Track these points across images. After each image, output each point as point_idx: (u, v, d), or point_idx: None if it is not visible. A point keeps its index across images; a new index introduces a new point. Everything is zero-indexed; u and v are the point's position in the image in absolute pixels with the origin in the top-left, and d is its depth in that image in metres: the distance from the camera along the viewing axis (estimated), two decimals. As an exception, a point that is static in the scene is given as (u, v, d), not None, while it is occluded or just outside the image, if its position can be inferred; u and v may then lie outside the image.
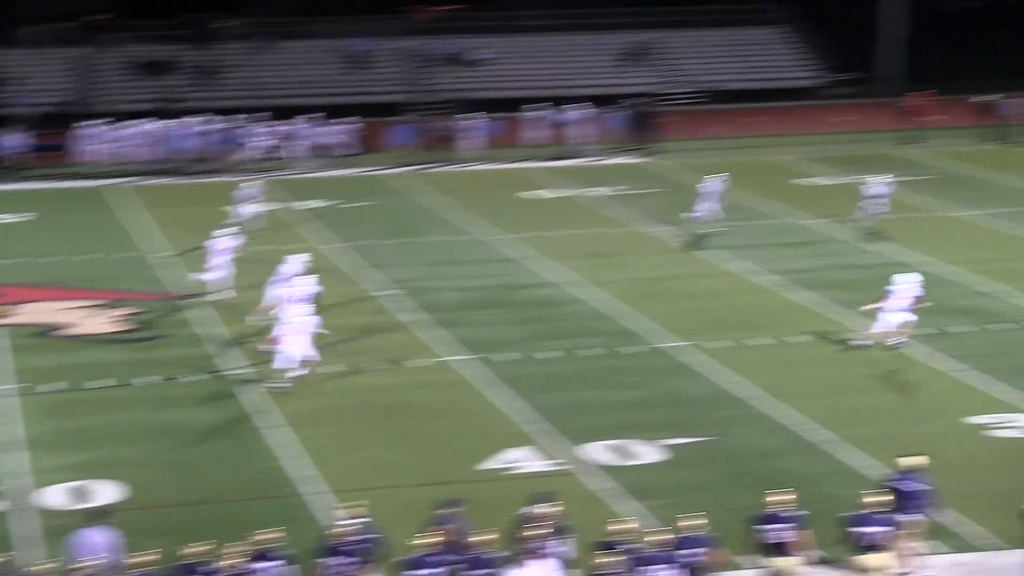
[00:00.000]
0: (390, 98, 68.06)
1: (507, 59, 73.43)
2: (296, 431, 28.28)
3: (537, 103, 60.41)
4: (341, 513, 21.32)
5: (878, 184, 42.93)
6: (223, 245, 37.11)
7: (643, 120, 59.59)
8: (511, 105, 62.68)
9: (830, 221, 45.20)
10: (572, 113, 58.71)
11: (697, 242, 42.05)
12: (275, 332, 30.99)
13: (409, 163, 56.33)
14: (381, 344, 33.50)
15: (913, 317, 32.20)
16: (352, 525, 20.53)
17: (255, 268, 36.91)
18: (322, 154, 56.22)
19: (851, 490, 23.73)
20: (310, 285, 33.12)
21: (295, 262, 34.70)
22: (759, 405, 29.45)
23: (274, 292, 33.57)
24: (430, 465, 26.58)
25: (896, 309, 32.06)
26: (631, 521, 21.39)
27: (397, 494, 25.06)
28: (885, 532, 20.65)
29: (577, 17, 76.52)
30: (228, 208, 44.29)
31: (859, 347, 32.39)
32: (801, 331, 34.14)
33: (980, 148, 57.73)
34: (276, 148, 56.18)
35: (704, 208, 42.48)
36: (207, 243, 37.28)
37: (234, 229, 38.92)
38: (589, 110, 58.89)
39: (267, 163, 55.27)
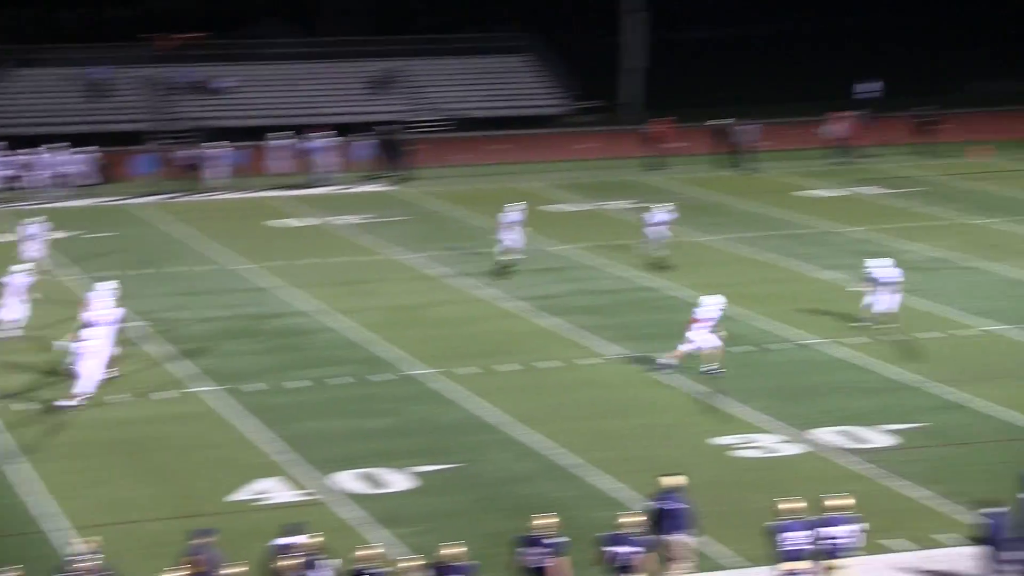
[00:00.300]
0: (133, 127, 67.03)
1: (251, 87, 72.87)
2: (38, 467, 27.55)
3: (282, 131, 60.00)
4: (76, 548, 20.74)
5: (660, 212, 43.29)
6: (18, 282, 36.34)
7: (390, 148, 59.58)
8: (256, 133, 62.20)
9: (576, 247, 45.68)
10: (318, 141, 58.43)
11: (503, 271, 42.07)
12: (78, 358, 30.99)
13: (153, 192, 55.45)
14: (126, 376, 32.83)
15: (719, 341, 32.64)
16: (86, 560, 19.97)
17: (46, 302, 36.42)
18: (63, 184, 55.02)
19: (601, 513, 23.92)
20: (110, 311, 32.61)
21: (104, 289, 34.07)
22: (509, 431, 29.56)
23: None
24: (178, 498, 26.09)
25: (704, 331, 32.48)
26: (377, 547, 21.19)
27: (144, 528, 24.54)
28: (637, 552, 20.82)
29: (322, 45, 76.36)
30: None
31: (664, 366, 32.67)
32: (549, 356, 34.38)
33: (717, 174, 58.94)
34: (16, 178, 54.84)
35: (508, 238, 42.49)
36: (4, 280, 36.51)
37: (27, 266, 38.09)
38: (334, 138, 58.68)
39: (6, 193, 53.91)
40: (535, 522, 20.95)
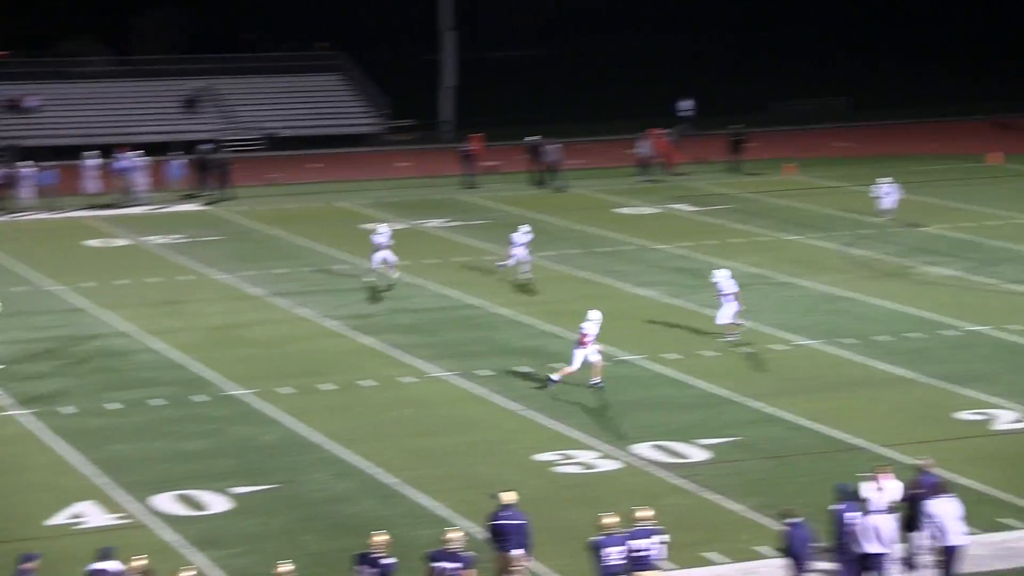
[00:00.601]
0: (-61, 146, 65.60)
1: (61, 106, 71.75)
2: None
3: (94, 150, 59.13)
4: None
5: (522, 233, 43.09)
6: None
7: (204, 167, 59.02)
8: (68, 153, 61.23)
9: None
10: (130, 161, 57.66)
11: (385, 286, 41.90)
12: None
13: (-38, 212, 54.33)
14: (-63, 400, 32.15)
15: (598, 356, 32.81)
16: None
17: None
18: None
19: (424, 531, 23.96)
20: None
21: None
22: (329, 450, 29.45)
23: None
24: (-6, 523, 25.60)
25: (593, 346, 32.61)
26: (190, 570, 20.95)
27: (-42, 555, 24.01)
28: (461, 568, 20.87)
29: (135, 64, 75.45)
30: None
31: (555, 383, 32.75)
32: (369, 375, 34.31)
33: (531, 192, 59.27)
34: None
35: (379, 257, 42.13)
36: None
37: None
38: (144, 158, 57.92)
39: None
40: (374, 539, 20.84)
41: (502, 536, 21.94)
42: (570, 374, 32.82)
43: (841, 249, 47.39)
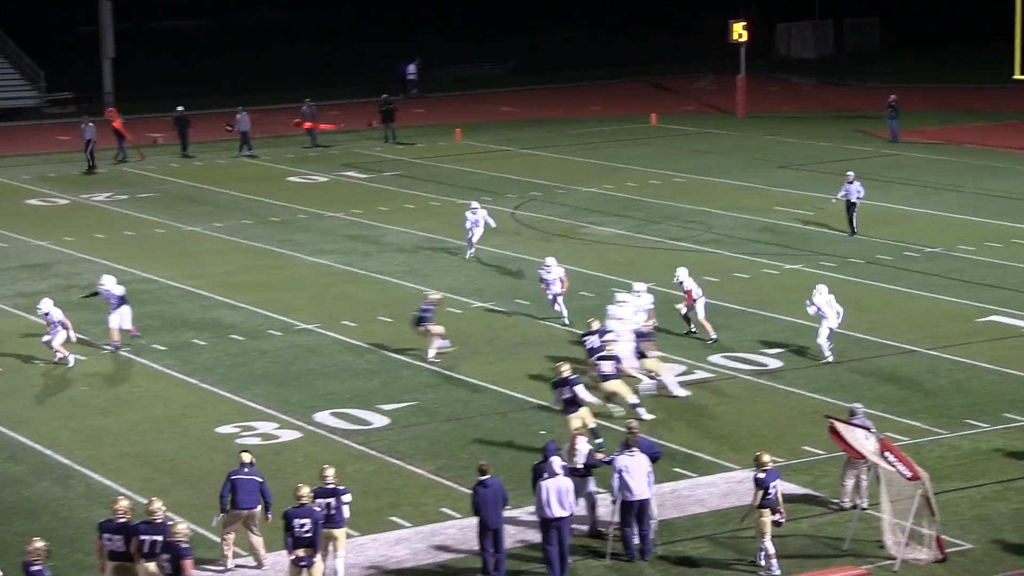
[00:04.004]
0: None
1: None
2: None
3: None
4: None
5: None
6: None
7: None
8: None
9: (58, 242, 44.46)
10: None
11: None
12: None
13: None
14: None
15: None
16: None
17: None
18: None
19: (104, 510, 23.35)
20: None
21: None
22: None
23: None
24: None
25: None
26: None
27: None
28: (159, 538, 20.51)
29: None
30: None
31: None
32: (36, 356, 33.25)
33: (197, 163, 58.41)
34: None
35: None
36: None
37: None
38: None
39: None
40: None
41: (235, 492, 22.22)
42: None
43: (511, 211, 47.91)
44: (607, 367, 28.71)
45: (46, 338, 32.62)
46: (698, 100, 73.85)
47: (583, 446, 23.39)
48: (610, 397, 28.91)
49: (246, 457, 22.68)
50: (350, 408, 29.63)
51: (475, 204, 42.11)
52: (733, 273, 39.29)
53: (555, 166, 56.32)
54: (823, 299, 31.97)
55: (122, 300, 33.67)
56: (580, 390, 26.83)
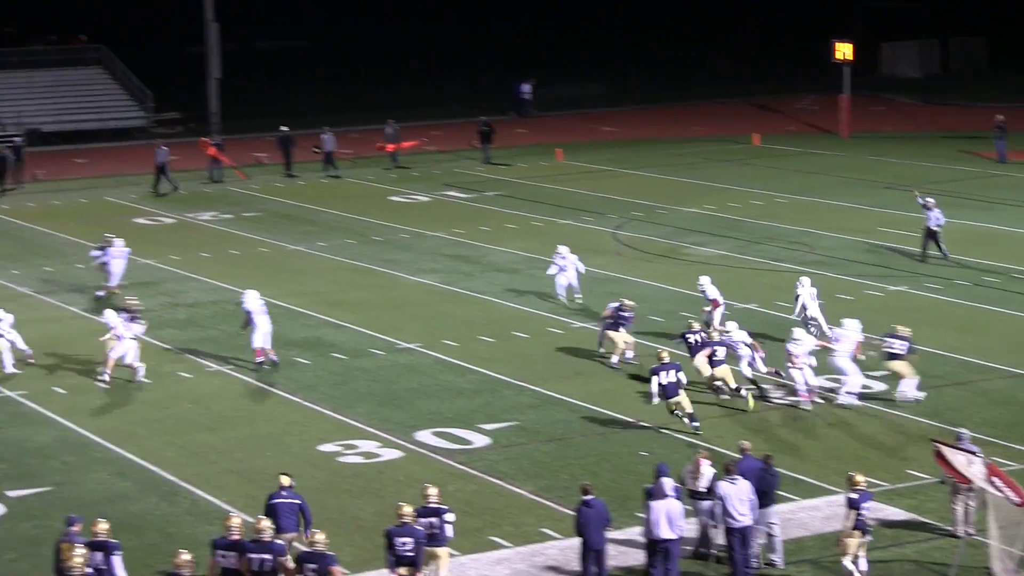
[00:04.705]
0: None
1: None
2: None
3: None
4: None
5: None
6: None
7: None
8: None
9: (165, 260, 44.94)
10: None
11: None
12: None
13: None
14: None
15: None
16: None
17: None
18: None
19: (209, 526, 23.57)
20: None
21: None
22: (106, 449, 28.82)
23: None
24: None
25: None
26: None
27: None
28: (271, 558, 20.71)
29: None
30: None
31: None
32: (144, 372, 33.60)
33: (300, 182, 58.82)
34: None
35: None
36: None
37: None
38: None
39: None
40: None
41: (276, 516, 22.12)
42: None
43: (612, 231, 47.85)
44: (720, 353, 30.47)
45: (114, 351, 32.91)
46: (801, 120, 73.43)
47: (707, 469, 23.30)
48: (714, 379, 30.49)
49: (285, 480, 22.64)
50: (451, 427, 29.70)
51: (562, 249, 39.32)
52: (836, 295, 39.00)
53: (656, 186, 56.21)
54: (806, 292, 33.83)
55: (255, 317, 33.94)
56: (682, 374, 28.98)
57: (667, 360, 29.06)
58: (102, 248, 40.81)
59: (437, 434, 29.31)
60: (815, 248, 44.91)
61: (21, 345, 34.02)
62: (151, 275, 43.34)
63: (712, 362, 30.55)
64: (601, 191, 55.24)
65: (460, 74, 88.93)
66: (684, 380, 29.10)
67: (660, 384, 28.79)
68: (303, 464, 27.78)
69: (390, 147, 61.62)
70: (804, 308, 34.10)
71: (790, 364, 30.31)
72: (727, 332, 31.23)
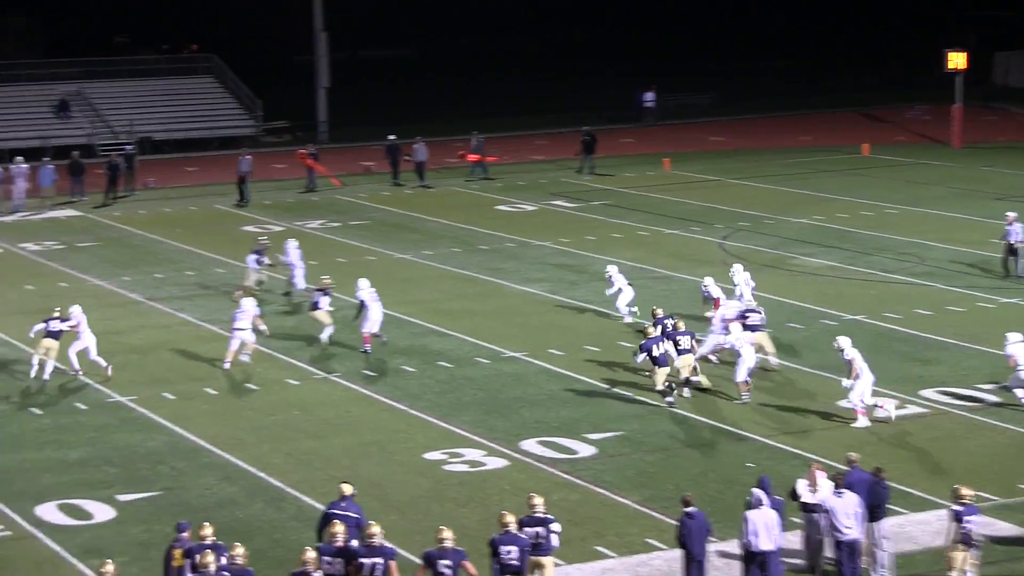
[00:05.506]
0: None
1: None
2: None
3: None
4: None
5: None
6: None
7: (78, 172, 58.28)
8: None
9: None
10: (16, 168, 56.67)
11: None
12: None
13: None
14: None
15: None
16: None
17: None
18: None
19: (314, 532, 23.72)
20: None
21: None
22: (214, 455, 29.13)
23: None
24: None
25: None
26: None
27: None
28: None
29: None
30: None
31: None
32: (251, 379, 33.96)
33: (406, 191, 59.11)
34: None
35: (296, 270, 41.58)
36: None
37: None
38: (22, 165, 57.02)
39: None
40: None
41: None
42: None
43: (719, 242, 47.70)
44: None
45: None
46: (911, 130, 72.79)
47: (823, 481, 23.16)
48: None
49: (347, 489, 22.52)
50: (557, 436, 29.72)
51: (611, 269, 38.70)
52: (947, 307, 38.64)
53: (764, 196, 55.97)
54: (741, 277, 35.99)
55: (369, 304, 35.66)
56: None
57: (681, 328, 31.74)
58: (259, 252, 41.46)
59: (542, 443, 29.35)
60: (925, 259, 44.51)
61: (93, 355, 34.26)
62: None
63: (678, 351, 31.68)
64: (708, 201, 55.08)
65: (569, 84, 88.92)
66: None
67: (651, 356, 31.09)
68: (408, 472, 27.91)
69: (472, 157, 61.68)
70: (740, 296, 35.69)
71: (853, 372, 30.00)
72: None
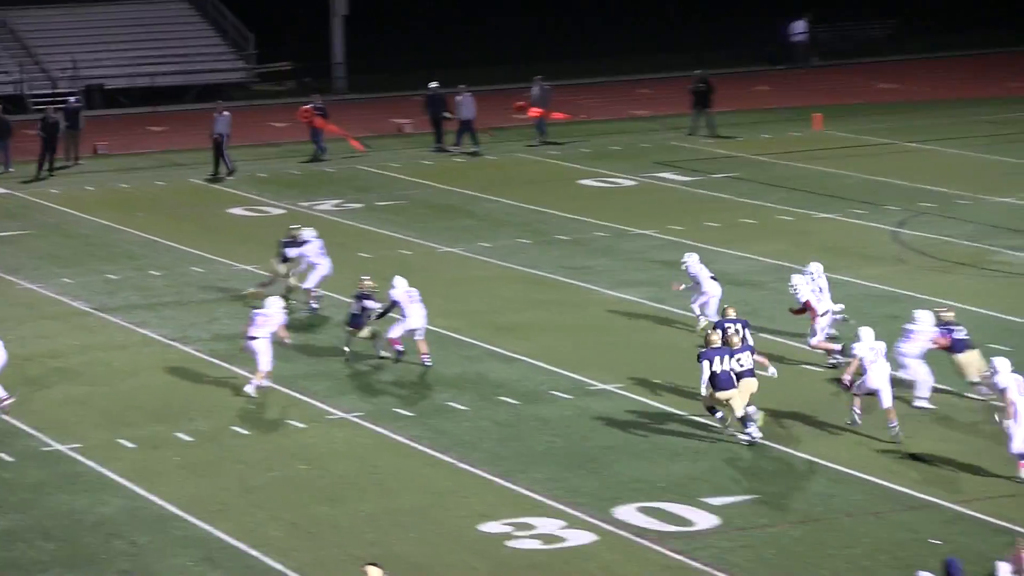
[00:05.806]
0: None
1: None
2: None
3: None
4: None
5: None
6: None
7: (3, 134, 58.82)
8: None
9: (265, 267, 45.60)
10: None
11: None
12: None
13: None
14: None
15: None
16: None
17: None
18: None
19: None
20: None
21: None
22: (190, 525, 29.26)
23: None
24: None
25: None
26: None
27: None
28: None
29: None
30: None
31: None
32: (240, 420, 34.12)
33: (457, 159, 59.39)
34: None
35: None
36: None
37: None
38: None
39: None
40: None
41: None
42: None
43: (893, 230, 47.67)
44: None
45: None
46: None
47: None
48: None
49: (374, 574, 22.84)
50: (664, 502, 29.76)
51: (689, 258, 39.79)
52: None
53: (956, 167, 55.94)
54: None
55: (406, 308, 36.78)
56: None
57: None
58: (289, 244, 41.98)
59: (644, 510, 29.42)
60: None
61: None
62: (251, 286, 43.94)
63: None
64: (876, 173, 55.12)
65: (681, 11, 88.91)
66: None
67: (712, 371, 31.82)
68: (459, 549, 28.03)
69: (533, 112, 61.44)
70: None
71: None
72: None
